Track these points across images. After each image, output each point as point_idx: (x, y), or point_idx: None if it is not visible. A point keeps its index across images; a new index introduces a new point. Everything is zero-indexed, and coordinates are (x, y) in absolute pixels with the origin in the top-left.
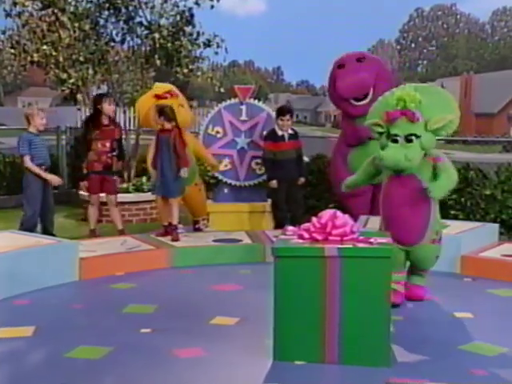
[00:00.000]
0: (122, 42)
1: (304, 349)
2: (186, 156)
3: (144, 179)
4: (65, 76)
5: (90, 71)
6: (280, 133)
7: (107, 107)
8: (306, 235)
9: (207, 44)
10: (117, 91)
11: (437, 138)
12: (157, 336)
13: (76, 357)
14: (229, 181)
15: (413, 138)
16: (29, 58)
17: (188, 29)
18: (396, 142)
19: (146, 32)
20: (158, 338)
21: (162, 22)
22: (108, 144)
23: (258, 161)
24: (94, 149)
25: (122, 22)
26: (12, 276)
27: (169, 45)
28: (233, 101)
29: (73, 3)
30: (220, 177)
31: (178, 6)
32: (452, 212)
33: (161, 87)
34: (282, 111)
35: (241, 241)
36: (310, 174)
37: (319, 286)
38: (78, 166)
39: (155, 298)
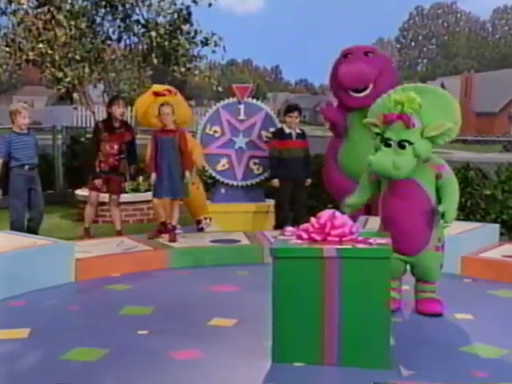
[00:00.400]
0: (119, 40)
1: (303, 350)
2: (190, 157)
3: (141, 179)
4: (61, 75)
5: (87, 70)
6: (288, 131)
7: (116, 110)
8: (305, 236)
9: (205, 42)
10: (114, 90)
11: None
12: (154, 338)
13: (72, 359)
14: (226, 181)
15: (406, 144)
16: (24, 57)
17: (185, 27)
18: (389, 146)
19: (142, 30)
20: (155, 340)
21: (159, 20)
22: (116, 146)
23: (256, 160)
24: (102, 150)
25: (118, 20)
26: (7, 277)
27: (166, 43)
28: (231, 100)
29: (69, 1)
30: (217, 177)
31: (175, 4)
32: None
33: (159, 87)
34: (289, 108)
35: (239, 241)
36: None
37: (318, 287)
38: (88, 165)
39: (152, 299)
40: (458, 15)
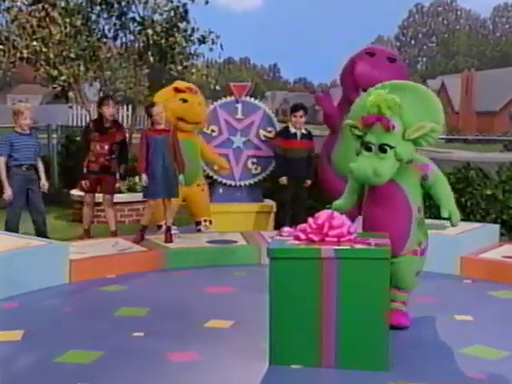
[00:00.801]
0: (115, 38)
1: (300, 352)
2: (183, 160)
3: (137, 179)
4: (55, 73)
5: (82, 68)
6: (293, 130)
7: (106, 110)
8: (303, 236)
9: (202, 40)
10: (109, 89)
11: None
12: (149, 340)
13: (66, 361)
14: (224, 180)
15: (387, 148)
16: (18, 55)
17: (182, 25)
18: (370, 149)
19: (139, 28)
20: (151, 342)
21: (156, 17)
22: (107, 147)
23: (254, 160)
24: (93, 150)
25: (114, 18)
26: (1, 278)
27: (162, 41)
28: (228, 99)
29: None
30: (215, 176)
31: (171, 2)
32: None
33: (182, 83)
34: (295, 107)
35: (236, 242)
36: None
37: (316, 288)
38: (77, 166)
39: (148, 300)
40: (459, 13)
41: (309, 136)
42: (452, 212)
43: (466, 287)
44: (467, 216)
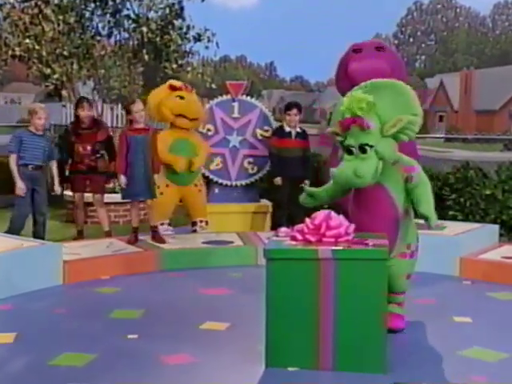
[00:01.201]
0: (109, 35)
1: (297, 355)
2: (159, 160)
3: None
4: (48, 71)
5: (75, 66)
6: (287, 129)
7: (82, 113)
8: (300, 237)
9: (197, 38)
10: (104, 87)
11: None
12: (144, 342)
13: (60, 364)
14: (220, 180)
15: (367, 148)
16: (10, 52)
17: (177, 22)
18: (351, 153)
19: (133, 25)
20: (146, 344)
21: (151, 15)
22: (89, 147)
23: (251, 160)
24: (76, 152)
25: (108, 15)
26: None
27: (157, 39)
28: (224, 97)
29: None
30: (211, 176)
31: None
32: (451, 212)
33: (176, 81)
34: (288, 106)
35: (232, 243)
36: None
37: (313, 290)
38: (61, 168)
39: (142, 302)
40: (458, 10)
41: (304, 135)
42: (429, 215)
43: (465, 288)
44: (466, 216)
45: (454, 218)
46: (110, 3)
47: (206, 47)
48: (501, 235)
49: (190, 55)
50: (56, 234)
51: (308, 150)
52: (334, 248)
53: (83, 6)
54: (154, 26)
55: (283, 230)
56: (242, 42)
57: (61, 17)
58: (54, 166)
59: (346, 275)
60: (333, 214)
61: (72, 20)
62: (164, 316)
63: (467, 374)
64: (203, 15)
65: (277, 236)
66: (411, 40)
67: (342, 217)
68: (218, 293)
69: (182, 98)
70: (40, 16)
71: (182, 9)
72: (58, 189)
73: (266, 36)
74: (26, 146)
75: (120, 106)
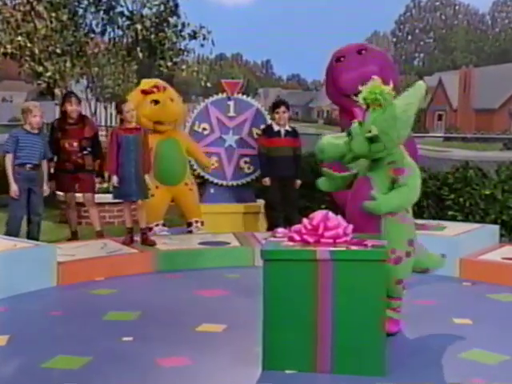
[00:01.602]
0: (102, 33)
1: (295, 357)
2: (150, 160)
3: None
4: (41, 69)
5: (68, 64)
6: (276, 128)
7: (69, 108)
8: (297, 237)
9: (193, 36)
10: (97, 85)
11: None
12: (139, 344)
13: (53, 367)
14: (215, 180)
15: (350, 134)
16: (2, 50)
17: (172, 20)
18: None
19: (127, 23)
20: (141, 347)
21: (145, 12)
22: (76, 143)
23: (247, 159)
24: (63, 149)
25: (102, 12)
26: None
27: (152, 36)
28: (220, 96)
29: None
30: (206, 176)
31: None
32: (450, 213)
33: (147, 82)
34: (276, 104)
35: (228, 243)
36: (301, 173)
37: (311, 291)
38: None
39: (138, 304)
40: (457, 8)
41: (294, 133)
42: (380, 199)
43: (466, 290)
44: (466, 216)
45: (453, 219)
46: (104, 0)
47: (202, 45)
48: (501, 236)
49: (185, 53)
50: (50, 235)
51: (299, 148)
52: (332, 249)
53: (76, 3)
54: (148, 24)
55: (280, 230)
56: (238, 40)
57: (53, 14)
58: (45, 165)
59: (345, 276)
60: (330, 214)
61: (65, 17)
62: (160, 318)
63: (467, 376)
64: (198, 13)
65: (274, 237)
66: (409, 38)
67: (339, 217)
68: (215, 294)
69: (156, 102)
70: (32, 13)
71: (176, 6)
72: (46, 188)
73: (262, 34)
74: (22, 145)
75: (114, 104)
